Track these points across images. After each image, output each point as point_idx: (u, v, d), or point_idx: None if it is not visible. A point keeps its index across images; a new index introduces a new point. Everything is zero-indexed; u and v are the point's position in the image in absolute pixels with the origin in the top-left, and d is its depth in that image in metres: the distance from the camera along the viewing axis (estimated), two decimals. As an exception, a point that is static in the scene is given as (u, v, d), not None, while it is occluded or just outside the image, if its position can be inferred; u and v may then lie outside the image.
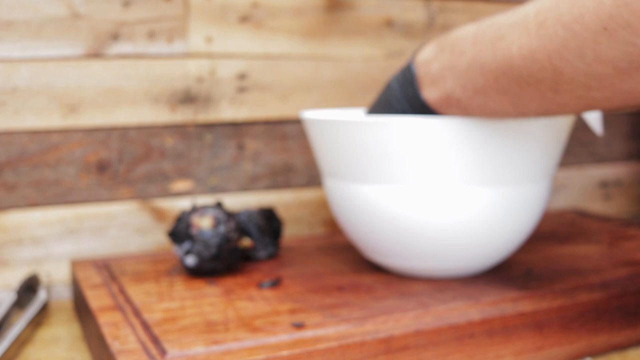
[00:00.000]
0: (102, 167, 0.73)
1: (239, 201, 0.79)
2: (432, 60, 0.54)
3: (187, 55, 0.75)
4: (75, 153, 0.71)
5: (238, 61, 0.77)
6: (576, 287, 0.58)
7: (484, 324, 0.51)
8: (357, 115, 0.66)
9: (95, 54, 0.71)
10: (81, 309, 0.61)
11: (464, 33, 0.52)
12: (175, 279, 0.62)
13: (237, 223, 0.63)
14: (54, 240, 0.71)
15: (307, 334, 0.48)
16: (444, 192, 0.56)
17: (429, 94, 0.55)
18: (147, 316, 0.52)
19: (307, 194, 0.82)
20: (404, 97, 0.57)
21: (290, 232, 0.81)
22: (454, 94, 0.53)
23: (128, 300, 0.56)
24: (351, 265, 0.65)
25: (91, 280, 0.62)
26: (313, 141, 0.63)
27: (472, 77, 0.51)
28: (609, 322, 0.56)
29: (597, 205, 1.00)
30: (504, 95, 0.49)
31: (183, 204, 0.76)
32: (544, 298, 0.55)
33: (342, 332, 0.49)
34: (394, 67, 0.83)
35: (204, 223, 0.61)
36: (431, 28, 0.86)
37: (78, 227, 0.72)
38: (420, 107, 0.56)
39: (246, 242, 0.69)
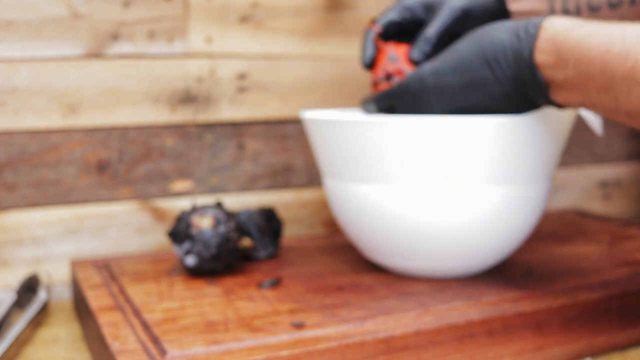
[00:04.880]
0: (102, 167, 0.73)
1: (239, 201, 0.79)
2: (554, 68, 0.50)
3: (187, 55, 0.75)
4: (75, 153, 0.71)
5: (238, 61, 0.77)
6: (576, 287, 0.58)
7: (484, 324, 0.51)
8: (357, 115, 0.65)
9: (95, 54, 0.71)
10: (81, 309, 0.61)
11: (588, 50, 0.48)
12: (175, 279, 0.62)
13: (237, 223, 0.63)
14: (54, 240, 0.71)
15: (307, 334, 0.48)
16: (444, 192, 0.56)
17: (557, 97, 0.52)
18: (147, 316, 0.52)
19: (307, 194, 0.82)
20: (513, 80, 0.53)
21: (290, 232, 0.81)
22: (584, 105, 0.51)
23: (128, 300, 0.56)
24: (351, 265, 0.65)
25: (91, 280, 0.62)
26: (313, 141, 0.63)
27: (603, 102, 0.49)
28: (609, 322, 0.56)
29: (597, 205, 1.00)
30: (636, 121, 0.48)
31: (183, 204, 0.76)
32: (544, 298, 0.55)
33: (342, 332, 0.49)
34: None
35: (204, 223, 0.61)
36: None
37: (78, 227, 0.72)
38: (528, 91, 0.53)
39: (246, 242, 0.69)
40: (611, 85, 0.47)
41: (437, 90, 0.56)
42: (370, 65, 0.63)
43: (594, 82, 0.48)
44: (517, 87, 0.53)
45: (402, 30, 0.64)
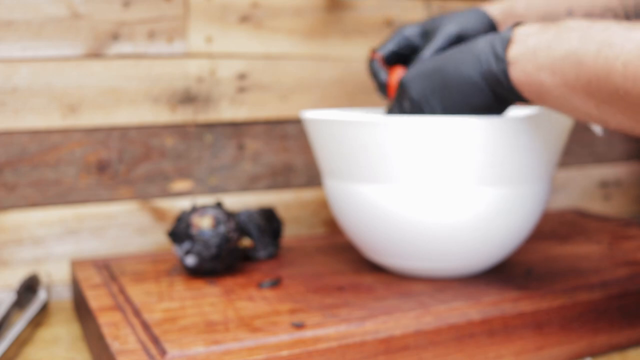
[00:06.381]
0: (102, 167, 0.73)
1: (239, 201, 0.79)
2: (531, 35, 0.51)
3: (187, 55, 0.75)
4: (75, 153, 0.71)
5: (238, 61, 0.77)
6: (576, 287, 0.58)
7: (484, 324, 0.51)
8: (357, 115, 0.66)
9: (95, 54, 0.71)
10: (81, 309, 0.61)
11: (576, 25, 0.49)
12: (175, 279, 0.62)
13: (237, 223, 0.63)
14: (54, 240, 0.71)
15: (307, 334, 0.48)
16: (444, 192, 0.56)
17: (515, 70, 0.51)
18: (147, 316, 0.52)
19: (307, 194, 0.82)
20: (492, 55, 0.53)
21: (290, 232, 0.81)
22: (540, 76, 0.50)
23: (128, 300, 0.56)
24: (351, 265, 0.65)
25: (91, 280, 0.62)
26: (313, 141, 0.63)
27: (564, 68, 0.48)
28: (609, 322, 0.56)
29: (597, 205, 1.00)
30: (591, 98, 0.47)
31: (183, 204, 0.76)
32: (544, 298, 0.55)
33: (342, 332, 0.49)
34: (394, 67, 0.83)
35: (204, 223, 0.61)
36: (431, 28, 0.86)
37: (78, 227, 0.72)
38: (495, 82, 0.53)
39: (246, 242, 0.69)
40: (581, 50, 0.47)
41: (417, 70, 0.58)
42: (385, 89, 0.65)
43: (565, 45, 0.48)
44: (481, 45, 0.53)
45: (399, 58, 0.66)
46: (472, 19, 0.63)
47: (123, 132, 0.73)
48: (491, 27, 0.64)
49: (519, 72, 0.51)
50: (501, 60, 0.52)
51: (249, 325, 0.50)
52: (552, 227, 0.80)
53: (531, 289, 0.57)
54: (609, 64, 0.45)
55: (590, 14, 0.61)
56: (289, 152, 0.81)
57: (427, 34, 0.65)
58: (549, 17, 0.61)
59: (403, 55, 0.66)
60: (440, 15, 0.66)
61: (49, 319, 0.65)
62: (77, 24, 0.70)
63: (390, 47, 0.65)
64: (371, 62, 0.66)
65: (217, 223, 0.61)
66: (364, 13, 0.83)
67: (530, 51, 0.50)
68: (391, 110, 0.60)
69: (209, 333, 0.49)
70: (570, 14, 0.62)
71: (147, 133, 0.74)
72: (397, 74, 0.64)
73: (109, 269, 0.65)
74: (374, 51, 0.65)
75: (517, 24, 0.53)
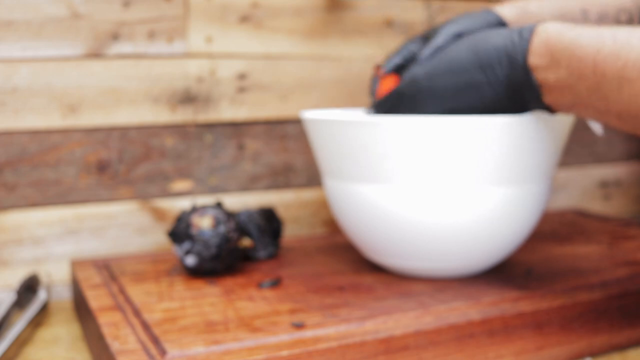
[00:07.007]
0: (102, 167, 0.73)
1: (239, 201, 0.79)
2: (546, 70, 0.51)
3: (187, 55, 0.75)
4: (75, 153, 0.71)
5: (238, 61, 0.77)
6: (576, 287, 0.58)
7: (484, 324, 0.51)
8: (357, 115, 0.66)
9: (95, 54, 0.71)
10: (81, 309, 0.61)
11: (579, 50, 0.49)
12: (175, 279, 0.62)
13: (237, 223, 0.63)
14: (54, 240, 0.71)
15: (307, 334, 0.48)
16: (444, 192, 0.56)
17: (549, 99, 0.52)
18: (147, 316, 0.52)
19: (307, 194, 0.82)
20: (506, 75, 0.53)
21: (290, 232, 0.81)
22: (575, 108, 0.51)
23: (128, 300, 0.56)
24: (351, 265, 0.65)
25: (91, 280, 0.62)
26: (313, 141, 0.63)
27: (594, 102, 0.49)
28: (609, 322, 0.56)
29: (597, 205, 1.00)
30: (626, 122, 0.48)
31: (183, 204, 0.76)
32: (544, 298, 0.55)
33: (342, 332, 0.49)
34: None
35: (204, 223, 0.61)
36: (431, 28, 0.86)
37: (78, 227, 0.72)
38: (519, 87, 0.53)
39: (246, 242, 0.69)
40: (602, 84, 0.48)
41: (429, 92, 0.57)
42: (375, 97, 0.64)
43: (585, 82, 0.49)
44: (509, 91, 0.54)
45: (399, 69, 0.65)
46: (478, 20, 0.63)
47: (123, 132, 0.73)
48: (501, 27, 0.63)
49: (554, 102, 0.52)
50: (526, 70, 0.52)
51: (249, 325, 0.50)
52: (552, 227, 0.80)
53: (531, 289, 0.57)
54: (634, 100, 0.46)
55: (604, 14, 0.61)
56: (289, 152, 0.81)
57: (427, 38, 0.64)
58: (562, 18, 0.61)
59: (405, 66, 0.64)
60: (447, 20, 0.65)
61: (49, 319, 0.65)
62: (77, 24, 0.70)
63: (396, 61, 0.64)
64: (373, 79, 0.64)
65: (217, 223, 0.61)
66: (364, 13, 0.83)
67: (558, 91, 0.51)
68: (381, 108, 0.60)
69: (209, 333, 0.49)
70: (584, 14, 0.61)
71: (147, 133, 0.74)
72: (388, 81, 0.63)
73: (109, 269, 0.65)
74: (378, 67, 0.64)
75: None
